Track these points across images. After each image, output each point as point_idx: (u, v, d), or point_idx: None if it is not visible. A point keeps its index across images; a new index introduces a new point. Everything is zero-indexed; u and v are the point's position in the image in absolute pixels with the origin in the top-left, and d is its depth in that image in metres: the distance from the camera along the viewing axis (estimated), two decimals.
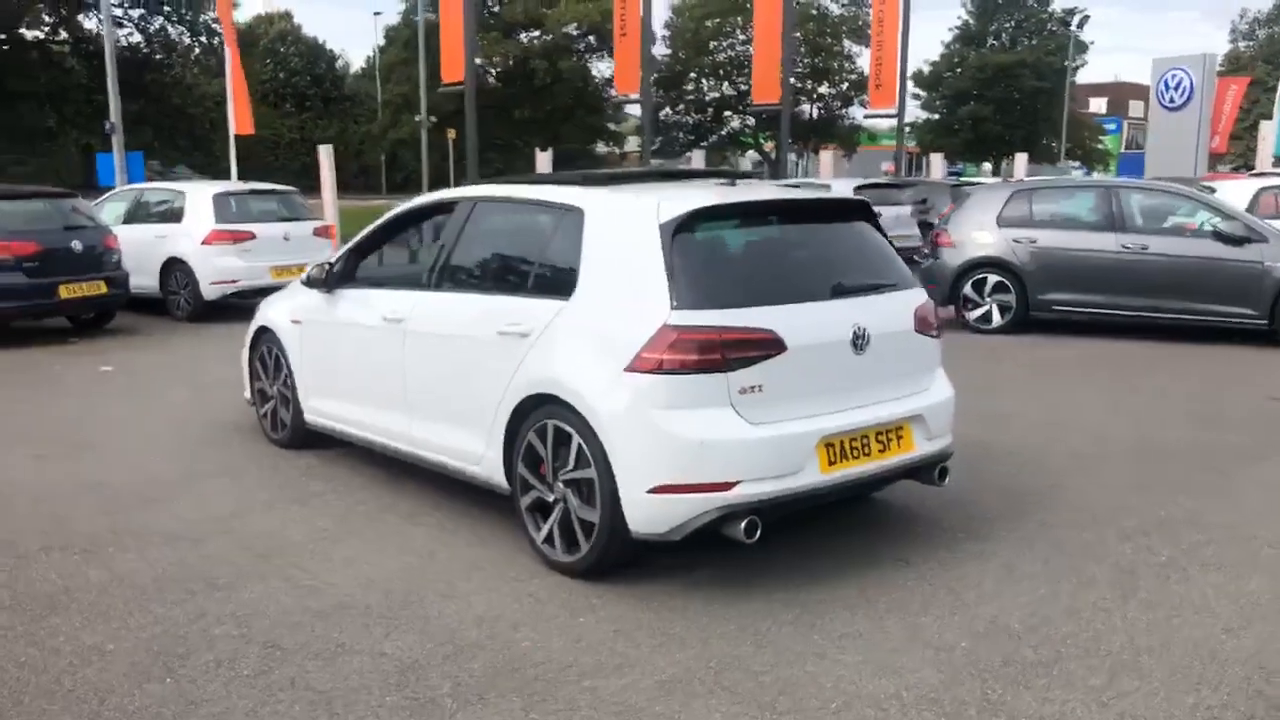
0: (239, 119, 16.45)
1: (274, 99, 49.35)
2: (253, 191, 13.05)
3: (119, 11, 29.60)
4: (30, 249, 10.30)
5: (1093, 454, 6.38)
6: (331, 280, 5.90)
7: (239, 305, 11.36)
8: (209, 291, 11.92)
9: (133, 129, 30.08)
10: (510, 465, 4.62)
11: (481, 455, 4.78)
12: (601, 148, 47.89)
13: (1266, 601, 4.20)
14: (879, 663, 3.67)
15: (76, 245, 10.67)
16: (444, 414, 5.04)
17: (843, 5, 47.75)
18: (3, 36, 25.19)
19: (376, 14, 42.17)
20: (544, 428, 4.42)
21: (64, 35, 27.53)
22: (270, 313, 6.52)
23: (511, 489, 4.66)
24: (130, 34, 28.34)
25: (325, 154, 17.49)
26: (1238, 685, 3.52)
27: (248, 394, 6.76)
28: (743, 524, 4.06)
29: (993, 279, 11.18)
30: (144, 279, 12.12)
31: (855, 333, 4.35)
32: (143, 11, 28.94)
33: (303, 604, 4.14)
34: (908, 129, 55.59)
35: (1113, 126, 62.85)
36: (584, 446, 4.23)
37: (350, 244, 6.02)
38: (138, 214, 12.81)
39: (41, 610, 4.08)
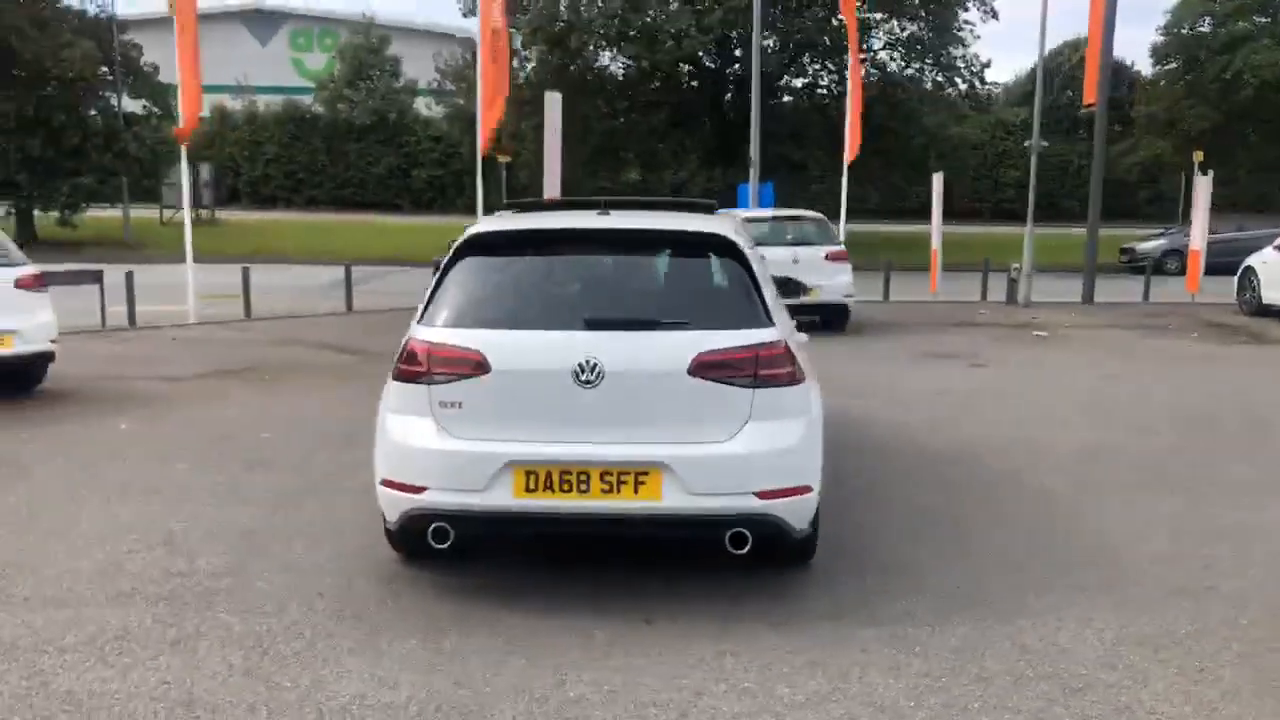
0: (852, 147, 17.73)
1: (1068, 125, 48.73)
2: (774, 218, 14.27)
3: (883, 54, 32.63)
4: None
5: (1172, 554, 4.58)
6: None
7: None
8: None
9: (866, 163, 33.01)
10: None
11: None
12: None
13: None
14: (380, 676, 3.81)
15: None
16: None
17: None
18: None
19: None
20: None
21: (824, 81, 31.34)
22: None
23: None
24: (877, 77, 31.05)
25: (937, 180, 17.88)
26: None
27: None
28: (430, 528, 4.36)
29: None
30: None
31: (581, 365, 4.23)
32: (902, 54, 31.46)
33: (185, 523, 5.48)
34: None
35: None
36: None
37: None
38: None
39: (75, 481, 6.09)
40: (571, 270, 4.68)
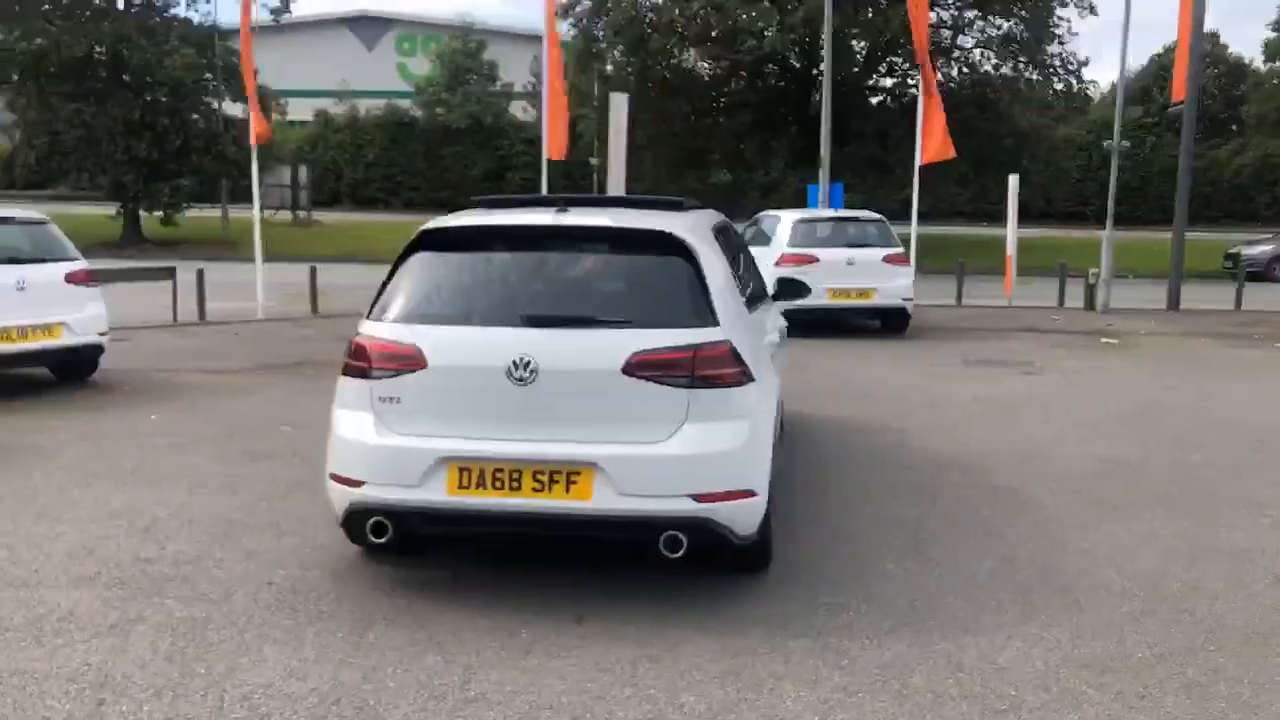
0: (926, 148, 17.24)
1: (1179, 126, 46.77)
2: (834, 218, 14.01)
3: (977, 54, 31.82)
4: None
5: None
6: None
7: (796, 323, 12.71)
8: None
9: (955, 164, 32.15)
10: None
11: None
12: None
13: None
14: (293, 666, 3.84)
15: None
16: None
17: None
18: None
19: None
20: None
21: (912, 81, 30.69)
22: None
23: None
24: (967, 75, 30.28)
25: (1012, 182, 17.39)
26: None
27: None
28: (369, 523, 4.38)
29: None
30: None
31: (515, 362, 4.19)
32: (996, 52, 30.61)
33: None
34: None
35: None
36: None
37: None
38: (756, 237, 14.73)
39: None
40: (516, 267, 4.64)
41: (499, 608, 4.36)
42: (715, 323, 4.34)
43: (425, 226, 4.71)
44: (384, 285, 4.63)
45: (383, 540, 4.41)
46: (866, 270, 13.15)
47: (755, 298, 5.68)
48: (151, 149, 28.24)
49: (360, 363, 4.44)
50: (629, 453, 4.18)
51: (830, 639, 4.09)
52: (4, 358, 8.66)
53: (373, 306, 4.60)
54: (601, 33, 28.24)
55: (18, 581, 4.62)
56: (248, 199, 35.82)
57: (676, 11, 26.69)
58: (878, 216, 14.00)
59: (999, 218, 33.97)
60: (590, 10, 28.80)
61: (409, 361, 4.33)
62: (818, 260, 13.10)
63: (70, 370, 9.46)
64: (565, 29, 30.67)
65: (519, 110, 51.80)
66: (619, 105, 18.11)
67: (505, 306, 4.43)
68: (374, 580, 4.69)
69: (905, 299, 13.39)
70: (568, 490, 4.19)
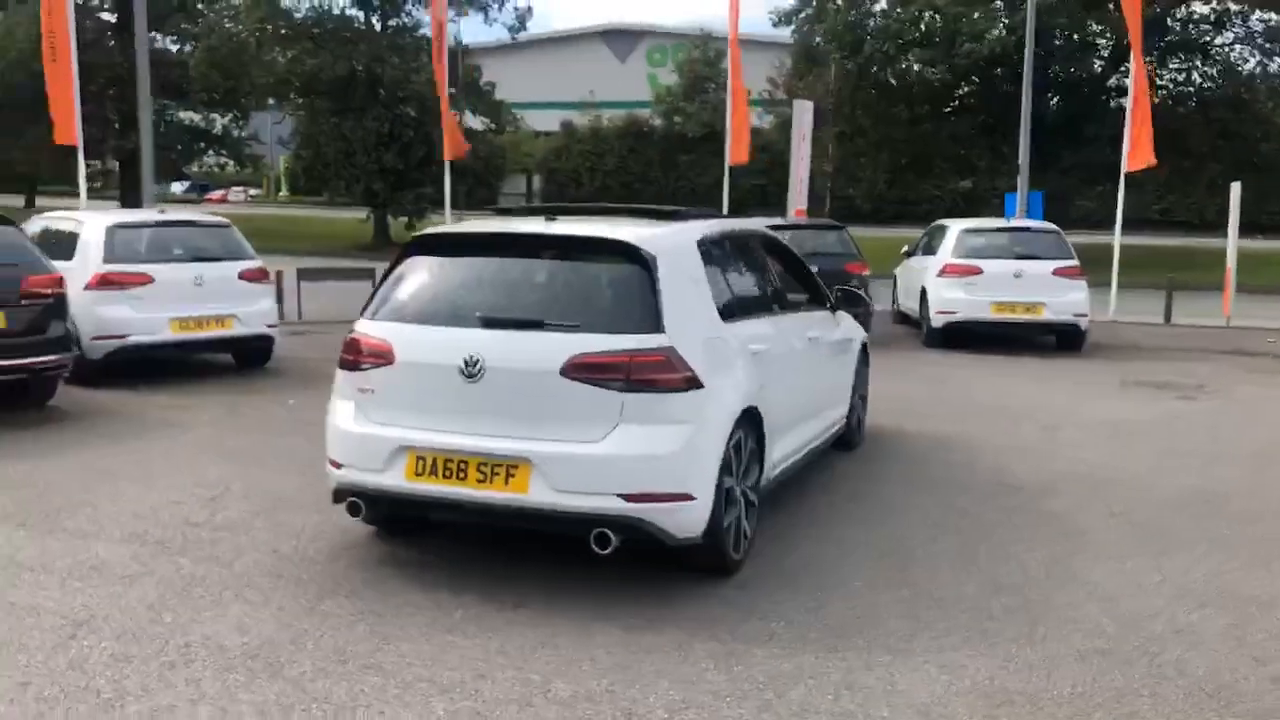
0: (1133, 154, 16.00)
1: None
2: (1003, 229, 13.36)
3: (1235, 50, 29.07)
4: None
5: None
6: None
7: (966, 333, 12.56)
8: (935, 320, 12.89)
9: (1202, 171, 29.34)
10: None
11: None
12: None
13: None
14: (243, 623, 4.28)
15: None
16: None
17: None
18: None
19: None
20: None
21: (1161, 80, 28.42)
22: None
23: None
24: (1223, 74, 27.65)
25: (1234, 190, 15.92)
26: None
27: None
28: (347, 502, 4.79)
29: None
30: (911, 302, 13.91)
31: (466, 360, 4.47)
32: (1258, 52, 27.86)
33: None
34: None
35: None
36: None
37: None
38: (928, 245, 14.23)
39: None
40: (486, 272, 4.92)
41: (455, 588, 4.65)
42: (660, 330, 4.45)
43: (420, 232, 5.10)
44: (378, 286, 5.04)
45: (358, 518, 4.83)
46: (1035, 283, 12.46)
47: (763, 306, 5.69)
48: (398, 159, 30.60)
49: (351, 356, 4.87)
50: (562, 450, 4.38)
51: (740, 645, 4.10)
52: (182, 344, 9.85)
53: (366, 305, 5.02)
54: (820, 38, 28.01)
55: (80, 533, 5.38)
56: (486, 206, 38.12)
57: (896, 14, 26.09)
58: (1052, 227, 13.22)
59: (1256, 229, 30.96)
60: (812, 16, 28.64)
61: (383, 356, 4.72)
62: (981, 272, 12.58)
63: (246, 358, 10.59)
64: (788, 35, 30.77)
65: (754, 117, 51.95)
66: (803, 111, 18.07)
67: (466, 308, 4.73)
68: (366, 557, 5.11)
69: (1078, 314, 12.56)
70: (507, 483, 4.44)
